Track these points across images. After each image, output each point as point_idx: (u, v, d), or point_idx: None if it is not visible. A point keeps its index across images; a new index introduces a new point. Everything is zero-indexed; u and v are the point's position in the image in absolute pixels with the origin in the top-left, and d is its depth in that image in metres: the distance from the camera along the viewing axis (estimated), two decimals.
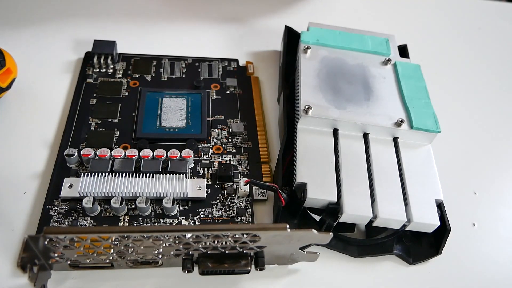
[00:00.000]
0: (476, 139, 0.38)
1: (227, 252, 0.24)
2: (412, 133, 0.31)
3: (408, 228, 0.28)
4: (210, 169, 0.32)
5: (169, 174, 0.30)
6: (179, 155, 0.31)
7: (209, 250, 0.24)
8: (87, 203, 0.27)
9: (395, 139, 0.31)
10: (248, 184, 0.30)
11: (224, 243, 0.23)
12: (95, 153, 0.30)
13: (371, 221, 0.27)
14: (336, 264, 0.28)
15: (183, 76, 0.38)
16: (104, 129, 0.33)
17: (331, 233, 0.24)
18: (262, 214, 0.30)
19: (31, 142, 0.32)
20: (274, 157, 0.33)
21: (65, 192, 0.28)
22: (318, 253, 0.26)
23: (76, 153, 0.30)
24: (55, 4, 0.43)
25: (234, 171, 0.31)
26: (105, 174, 0.29)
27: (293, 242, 0.24)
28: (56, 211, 0.28)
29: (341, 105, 0.32)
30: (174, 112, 0.34)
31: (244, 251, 0.24)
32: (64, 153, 0.30)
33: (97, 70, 0.37)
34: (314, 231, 0.23)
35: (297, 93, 0.34)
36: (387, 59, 0.36)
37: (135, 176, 0.29)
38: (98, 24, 0.42)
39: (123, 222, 0.28)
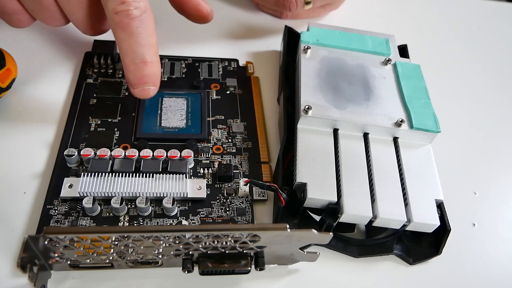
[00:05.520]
0: (476, 139, 0.38)
1: (227, 252, 0.24)
2: (412, 133, 0.31)
3: (408, 228, 0.28)
4: (210, 169, 0.31)
5: (169, 174, 0.30)
6: (179, 155, 0.31)
7: (209, 250, 0.24)
8: (87, 203, 0.27)
9: (395, 139, 0.31)
10: (248, 184, 0.30)
11: (224, 243, 0.23)
12: (95, 153, 0.30)
13: (371, 221, 0.27)
14: (336, 264, 0.28)
15: (183, 76, 0.38)
16: (104, 129, 0.33)
17: (331, 233, 0.23)
18: (262, 214, 0.30)
19: (31, 142, 0.32)
20: (274, 157, 0.33)
21: (65, 192, 0.28)
22: (318, 253, 0.26)
23: (76, 153, 0.30)
24: None
25: (234, 171, 0.31)
26: (105, 174, 0.29)
27: (293, 242, 0.24)
28: (56, 211, 0.28)
29: (341, 105, 0.32)
30: (174, 112, 0.34)
31: (244, 251, 0.24)
32: (64, 153, 0.30)
33: (97, 70, 0.37)
34: (314, 231, 0.23)
35: (297, 93, 0.34)
36: (387, 59, 0.36)
37: (135, 176, 0.29)
38: None
39: (123, 222, 0.28)
